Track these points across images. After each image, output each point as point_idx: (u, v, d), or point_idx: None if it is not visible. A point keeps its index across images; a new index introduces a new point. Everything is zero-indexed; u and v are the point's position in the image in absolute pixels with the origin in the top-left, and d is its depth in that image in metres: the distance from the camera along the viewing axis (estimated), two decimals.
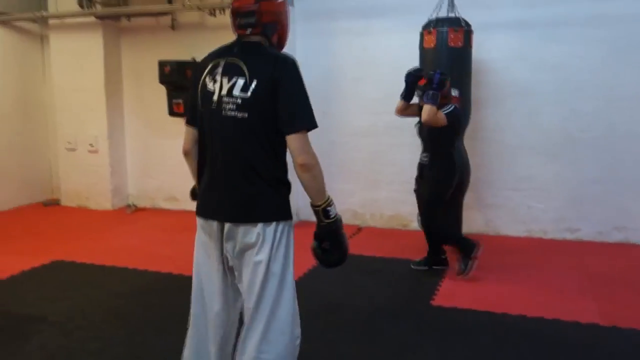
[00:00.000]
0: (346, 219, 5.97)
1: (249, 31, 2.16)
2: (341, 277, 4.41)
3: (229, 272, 2.26)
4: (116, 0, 6.65)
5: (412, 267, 4.59)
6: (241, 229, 2.14)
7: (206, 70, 2.20)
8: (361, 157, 6.05)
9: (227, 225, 2.16)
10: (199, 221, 2.28)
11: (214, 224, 2.20)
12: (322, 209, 2.18)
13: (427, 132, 4.35)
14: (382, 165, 5.99)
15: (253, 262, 2.14)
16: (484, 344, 3.28)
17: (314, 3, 5.98)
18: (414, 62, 4.96)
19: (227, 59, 2.16)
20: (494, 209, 5.71)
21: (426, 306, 3.86)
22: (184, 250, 5.06)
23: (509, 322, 3.58)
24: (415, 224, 5.82)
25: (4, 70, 6.82)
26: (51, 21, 6.82)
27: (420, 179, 4.53)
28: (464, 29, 4.76)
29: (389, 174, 5.99)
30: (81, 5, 6.51)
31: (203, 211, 2.25)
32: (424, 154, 4.46)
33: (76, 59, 6.77)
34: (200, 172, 2.28)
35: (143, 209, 6.91)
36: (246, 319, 2.22)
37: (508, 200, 5.64)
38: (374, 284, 4.28)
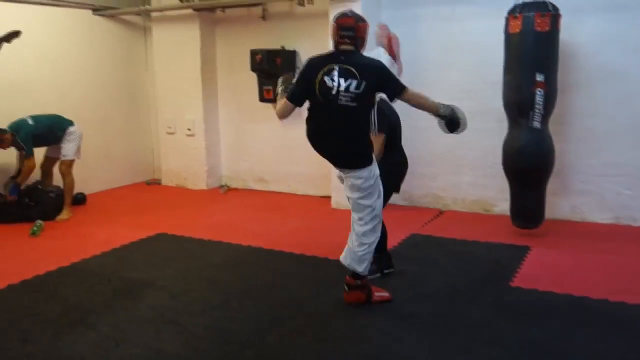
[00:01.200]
0: (427, 203, 6.22)
1: (347, 41, 3.31)
2: (422, 257, 4.59)
3: None
4: None
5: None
6: (349, 171, 3.41)
7: (322, 71, 3.26)
8: (444, 142, 6.09)
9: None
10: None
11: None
12: (437, 114, 3.50)
13: None
14: (465, 150, 6.04)
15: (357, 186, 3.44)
16: (562, 325, 3.35)
17: None
18: (499, 47, 4.99)
19: (340, 65, 3.25)
20: (580, 195, 5.62)
21: (505, 287, 3.96)
22: (272, 227, 5.46)
23: (589, 305, 3.61)
24: (498, 208, 5.88)
25: (113, 60, 7.46)
26: (153, 14, 7.37)
27: None
28: (551, 13, 4.72)
29: (472, 159, 6.03)
30: None
31: (326, 155, 3.50)
32: None
33: (175, 49, 7.29)
34: (315, 128, 3.44)
35: (235, 189, 7.36)
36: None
37: (595, 187, 5.54)
38: (453, 265, 4.41)
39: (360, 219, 3.50)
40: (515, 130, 4.99)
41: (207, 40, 7.22)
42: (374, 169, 3.45)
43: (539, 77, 4.75)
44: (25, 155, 5.68)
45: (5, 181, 5.89)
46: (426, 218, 5.82)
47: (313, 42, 6.55)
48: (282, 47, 6.69)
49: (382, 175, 3.92)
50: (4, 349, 3.10)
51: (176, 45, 7.27)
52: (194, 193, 7.27)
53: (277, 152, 7.08)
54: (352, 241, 3.56)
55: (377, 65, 3.36)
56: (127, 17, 7.55)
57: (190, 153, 7.44)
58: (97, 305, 3.70)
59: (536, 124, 4.84)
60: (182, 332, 3.30)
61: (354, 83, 3.20)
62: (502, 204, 5.70)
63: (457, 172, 6.12)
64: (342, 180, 3.59)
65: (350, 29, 3.31)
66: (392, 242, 4.89)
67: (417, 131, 6.21)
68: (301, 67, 3.50)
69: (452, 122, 3.53)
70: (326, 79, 3.24)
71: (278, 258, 4.61)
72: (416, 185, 6.33)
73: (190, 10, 7.02)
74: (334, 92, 3.23)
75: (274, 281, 4.05)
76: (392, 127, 4.16)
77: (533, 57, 4.78)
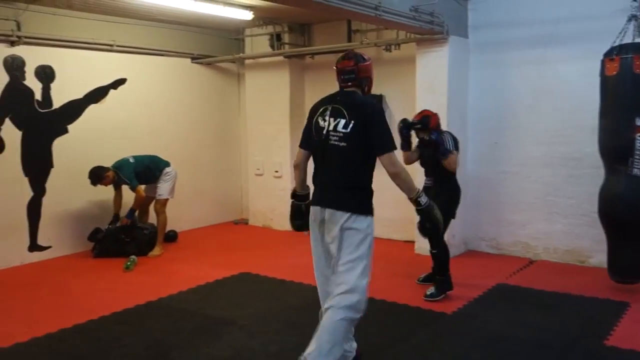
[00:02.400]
0: (516, 251, 5.94)
1: (350, 84, 3.14)
2: (508, 309, 4.37)
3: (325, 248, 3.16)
4: (302, 41, 7.35)
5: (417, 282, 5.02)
6: (338, 214, 3.02)
7: (318, 112, 3.15)
8: (534, 188, 5.88)
9: (328, 211, 3.06)
10: (313, 208, 3.18)
11: (319, 209, 3.11)
12: (414, 199, 3.11)
13: (432, 162, 4.70)
14: (557, 197, 5.76)
15: (345, 235, 3.02)
16: None
17: (489, 35, 6.02)
18: (593, 89, 4.77)
19: (333, 105, 3.10)
20: None
21: (599, 346, 3.67)
22: None
23: None
24: (594, 260, 5.52)
25: (207, 105, 7.87)
26: (247, 61, 7.74)
27: None
28: None
29: (565, 207, 5.73)
30: (272, 47, 7.33)
31: (317, 202, 3.16)
32: (428, 179, 4.86)
33: (266, 94, 7.59)
34: (314, 177, 3.21)
35: None
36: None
37: None
38: (542, 319, 4.15)
39: (341, 283, 3.01)
40: (613, 178, 4.69)
41: (296, 86, 7.46)
42: (369, 224, 3.07)
43: (639, 122, 4.48)
44: (132, 187, 6.08)
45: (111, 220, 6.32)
46: (514, 267, 5.55)
47: (399, 86, 6.60)
48: None
49: (451, 201, 4.65)
50: None
51: (267, 91, 7.56)
52: (279, 234, 7.39)
53: None
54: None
55: (369, 105, 3.12)
56: (222, 65, 7.97)
57: (276, 194, 7.60)
58: (180, 341, 3.81)
59: (636, 171, 4.53)
60: None
61: (342, 122, 3.02)
62: (598, 255, 5.35)
63: (549, 220, 5.82)
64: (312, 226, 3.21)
65: (351, 72, 3.13)
66: (476, 292, 4.73)
67: (506, 176, 6.04)
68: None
69: (428, 216, 3.19)
70: (319, 120, 3.13)
71: None
72: (504, 233, 6.09)
73: (281, 58, 7.31)
74: (324, 132, 3.08)
75: None
76: None
77: (632, 101, 4.52)
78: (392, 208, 6.52)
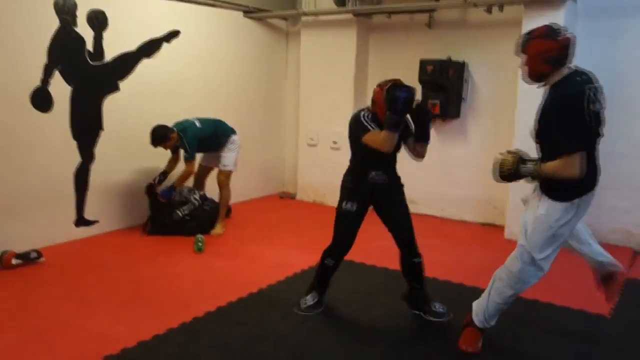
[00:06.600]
0: (616, 240, 5.44)
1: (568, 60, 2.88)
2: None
3: None
4: None
5: None
6: None
7: (586, 98, 2.77)
8: None
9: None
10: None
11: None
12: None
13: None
14: None
15: None
16: None
17: None
18: None
19: (591, 85, 2.83)
20: None
21: None
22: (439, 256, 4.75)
23: None
24: None
25: (255, 66, 7.03)
26: (304, 18, 6.92)
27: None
28: None
29: None
30: (337, 3, 6.52)
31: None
32: (378, 172, 3.63)
33: (326, 56, 6.82)
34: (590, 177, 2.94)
35: None
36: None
37: None
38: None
39: None
40: None
41: (362, 48, 6.73)
42: None
43: None
44: (188, 157, 5.30)
45: (155, 177, 5.51)
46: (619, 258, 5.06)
47: (486, 53, 5.98)
48: (449, 58, 6.10)
49: None
50: None
51: (327, 52, 6.80)
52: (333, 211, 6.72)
53: (430, 171, 6.42)
54: None
55: None
56: (273, 21, 7.15)
57: (333, 168, 6.84)
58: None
59: None
60: None
61: (603, 100, 2.88)
62: None
63: None
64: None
65: (574, 45, 2.89)
66: None
67: (612, 158, 5.50)
68: (565, 103, 2.82)
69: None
70: (593, 106, 2.80)
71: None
72: (604, 220, 5.59)
73: (348, 16, 6.53)
74: (601, 117, 2.88)
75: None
76: None
77: None
78: (469, 187, 5.95)
